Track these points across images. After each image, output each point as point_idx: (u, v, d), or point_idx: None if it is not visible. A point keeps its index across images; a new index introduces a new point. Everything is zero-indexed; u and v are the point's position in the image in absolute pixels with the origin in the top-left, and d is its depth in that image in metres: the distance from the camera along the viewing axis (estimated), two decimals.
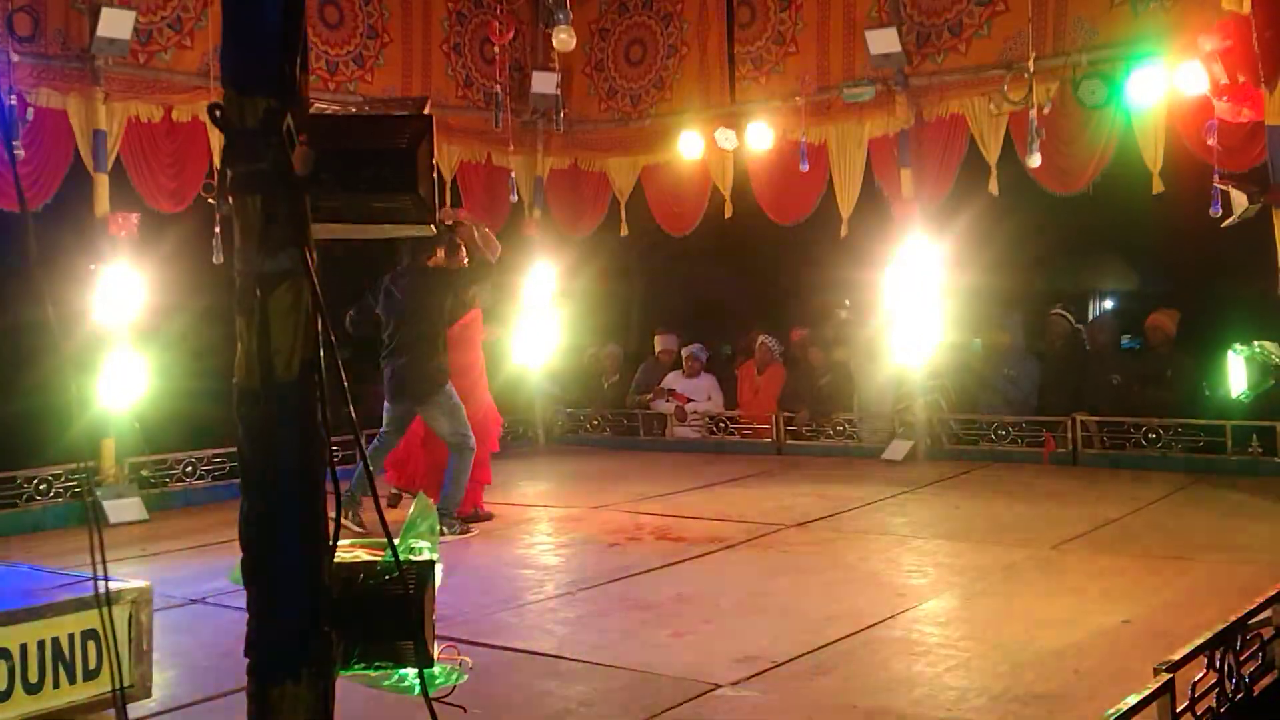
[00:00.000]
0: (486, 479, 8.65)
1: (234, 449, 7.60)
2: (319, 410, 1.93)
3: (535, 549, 7.81)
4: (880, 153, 10.90)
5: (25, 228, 2.17)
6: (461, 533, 7.99)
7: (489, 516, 8.55)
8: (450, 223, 8.32)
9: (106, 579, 2.07)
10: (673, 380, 12.66)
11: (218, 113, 1.93)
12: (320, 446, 1.94)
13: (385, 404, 8.27)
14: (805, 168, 10.95)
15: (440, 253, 8.25)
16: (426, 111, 2.08)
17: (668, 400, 12.50)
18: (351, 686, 2.11)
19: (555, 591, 6.49)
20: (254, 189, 1.90)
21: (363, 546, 2.15)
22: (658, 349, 13.07)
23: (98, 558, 2.02)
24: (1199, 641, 3.97)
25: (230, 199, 1.93)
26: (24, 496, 8.84)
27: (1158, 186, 9.55)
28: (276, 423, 1.90)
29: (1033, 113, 9.34)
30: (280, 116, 1.86)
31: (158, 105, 9.49)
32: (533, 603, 6.29)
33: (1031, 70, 9.51)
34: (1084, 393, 10.60)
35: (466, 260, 8.36)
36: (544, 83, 11.50)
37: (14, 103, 8.30)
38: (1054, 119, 9.77)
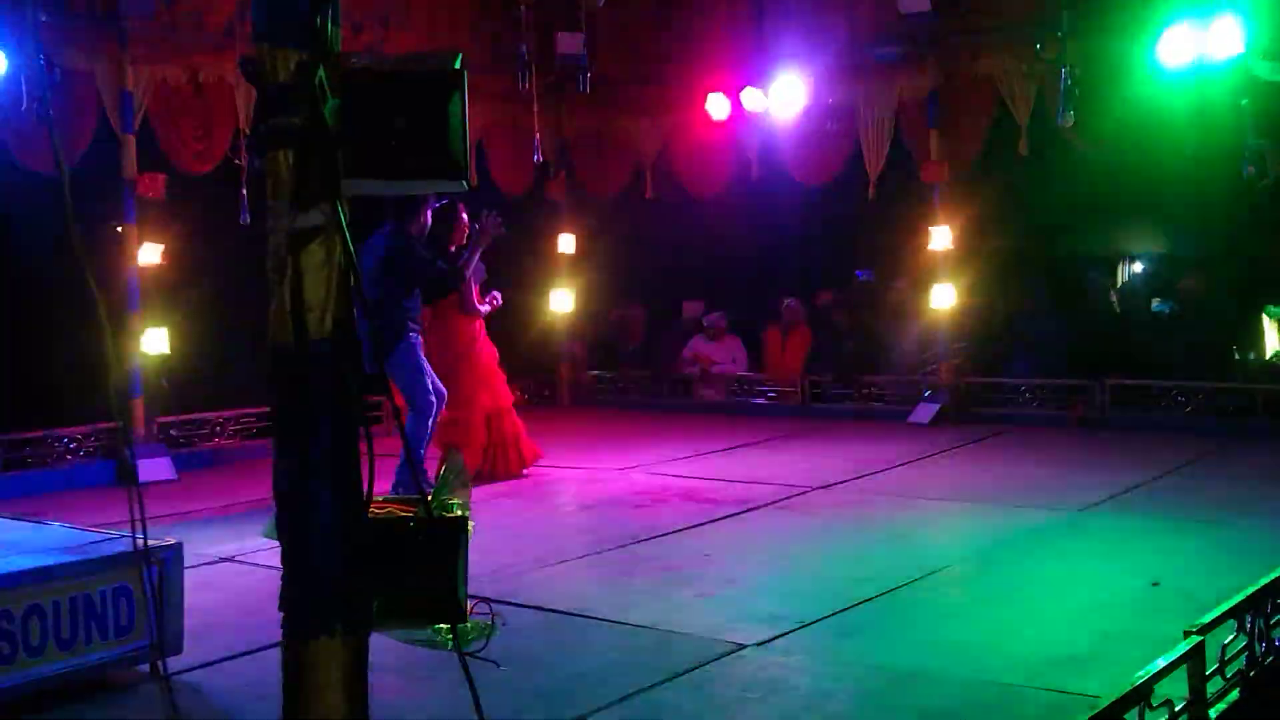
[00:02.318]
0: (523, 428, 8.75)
1: (262, 408, 7.70)
2: (351, 366, 1.92)
3: (561, 510, 7.84)
4: (909, 113, 10.79)
5: (62, 188, 2.16)
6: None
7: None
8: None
9: (146, 536, 2.07)
10: (698, 344, 12.64)
11: (249, 67, 1.91)
12: (353, 402, 1.94)
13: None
14: (833, 128, 10.85)
15: (425, 217, 8.01)
16: (458, 66, 2.06)
17: (693, 365, 12.50)
18: (384, 641, 2.12)
19: (582, 552, 6.50)
20: (286, 143, 1.88)
21: (395, 503, 2.15)
22: (685, 316, 13.04)
23: (135, 516, 2.01)
24: (1229, 604, 3.95)
25: (262, 154, 1.91)
26: (54, 455, 8.91)
27: (1188, 148, 9.41)
28: (310, 378, 1.90)
29: (1065, 71, 9.20)
30: (312, 70, 1.85)
31: (184, 66, 9.46)
32: (559, 563, 6.31)
33: (1065, 29, 9.35)
34: (1114, 356, 10.52)
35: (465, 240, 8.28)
36: (570, 43, 11.40)
37: (42, 61, 8.30)
38: (1085, 78, 9.62)
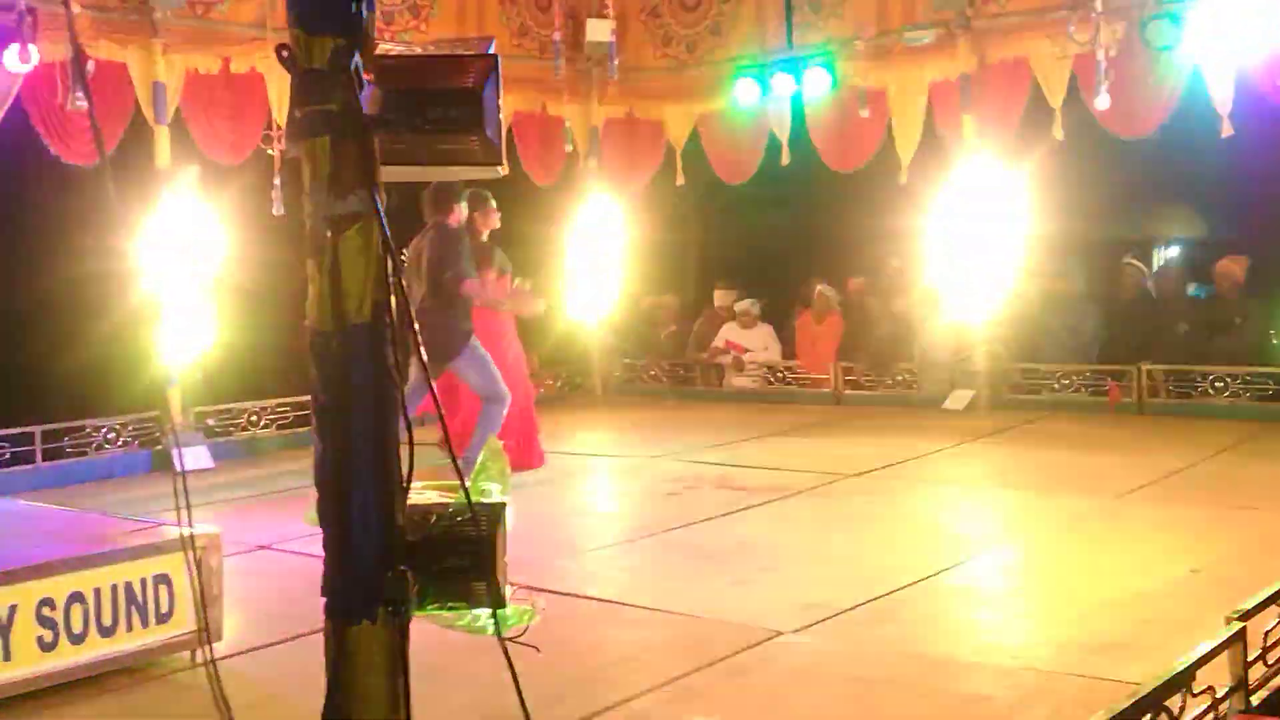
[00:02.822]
0: (536, 429, 8.64)
1: (298, 398, 7.73)
2: (391, 352, 1.93)
3: (595, 498, 7.86)
4: (941, 97, 10.71)
5: (104, 179, 2.17)
6: None
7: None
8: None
9: (190, 524, 2.09)
10: (730, 331, 12.61)
11: (284, 53, 1.91)
12: (393, 388, 1.94)
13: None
14: (865, 114, 10.79)
15: (460, 209, 7.97)
16: (492, 51, 2.06)
17: (726, 353, 12.47)
18: (423, 627, 2.13)
19: (616, 539, 6.52)
20: (322, 130, 1.88)
21: (434, 488, 2.15)
22: (716, 304, 13.02)
23: (180, 503, 2.03)
24: (1271, 590, 3.90)
25: (298, 141, 1.92)
26: (94, 445, 9.00)
27: (1227, 130, 9.30)
28: (349, 365, 1.90)
29: (1100, 54, 9.10)
30: (348, 55, 1.85)
31: (216, 57, 9.52)
32: (594, 550, 6.33)
33: (1099, 10, 9.26)
34: (1150, 341, 10.43)
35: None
36: (599, 30, 11.39)
37: (76, 55, 8.36)
38: (1121, 61, 9.52)
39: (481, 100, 2.01)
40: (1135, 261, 11.06)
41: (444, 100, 2.00)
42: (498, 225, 8.36)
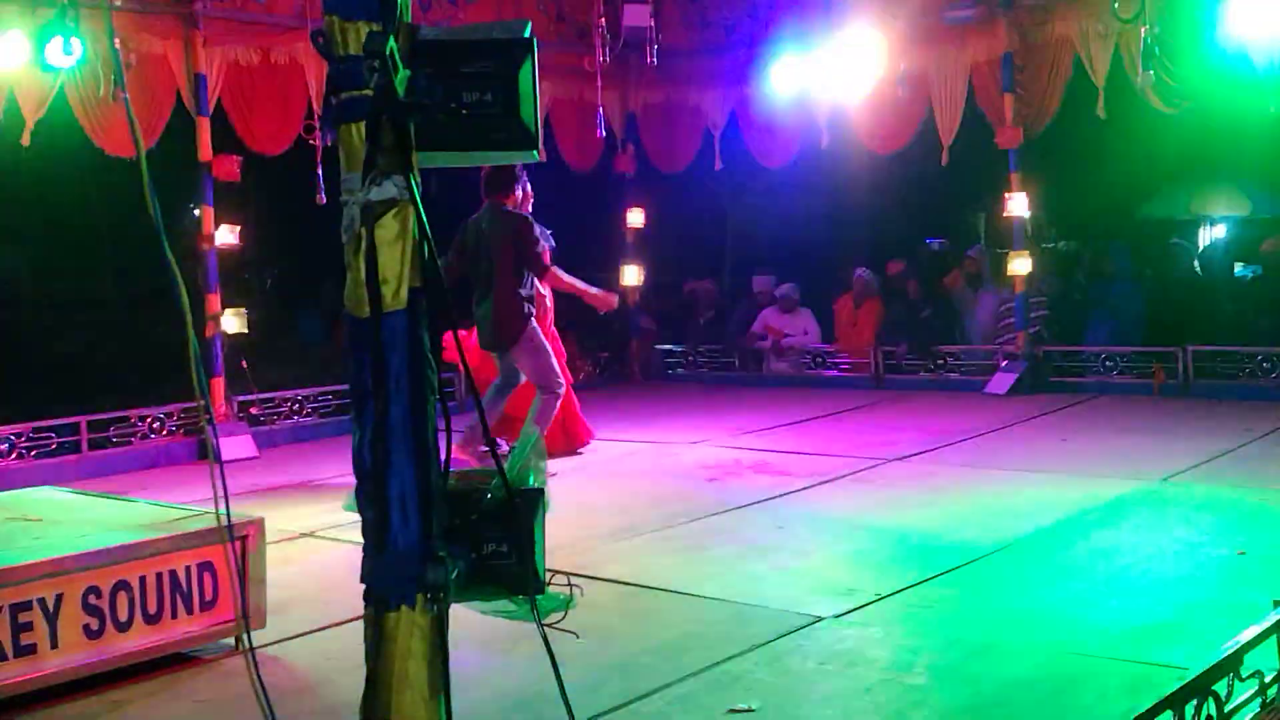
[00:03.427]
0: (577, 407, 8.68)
1: (339, 386, 7.78)
2: (427, 338, 1.92)
3: (633, 483, 7.83)
4: (982, 77, 10.61)
5: (140, 171, 2.18)
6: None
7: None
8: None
9: (229, 514, 2.10)
10: (769, 316, 12.56)
11: (320, 39, 1.91)
12: (430, 374, 1.94)
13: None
14: (904, 94, 10.70)
15: (515, 194, 8.05)
16: (527, 35, 2.04)
17: (765, 338, 12.43)
18: (462, 613, 2.13)
19: (654, 525, 6.50)
20: (358, 115, 1.88)
21: (473, 475, 2.15)
22: (755, 289, 12.96)
23: (219, 493, 2.04)
24: None
25: (334, 127, 1.91)
26: (138, 434, 9.10)
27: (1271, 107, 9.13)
28: (386, 351, 1.90)
29: (1145, 30, 8.95)
30: (383, 40, 1.84)
31: (255, 48, 9.57)
32: (633, 535, 6.32)
33: None
34: (1196, 322, 10.30)
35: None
36: (636, 15, 11.32)
37: (118, 47, 8.43)
38: (1164, 37, 9.37)
39: (516, 84, 2.00)
40: (1181, 241, 10.92)
41: (480, 85, 1.98)
42: (529, 209, 8.34)
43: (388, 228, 1.89)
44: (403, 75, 1.88)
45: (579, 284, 8.40)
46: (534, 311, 7.97)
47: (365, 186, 1.88)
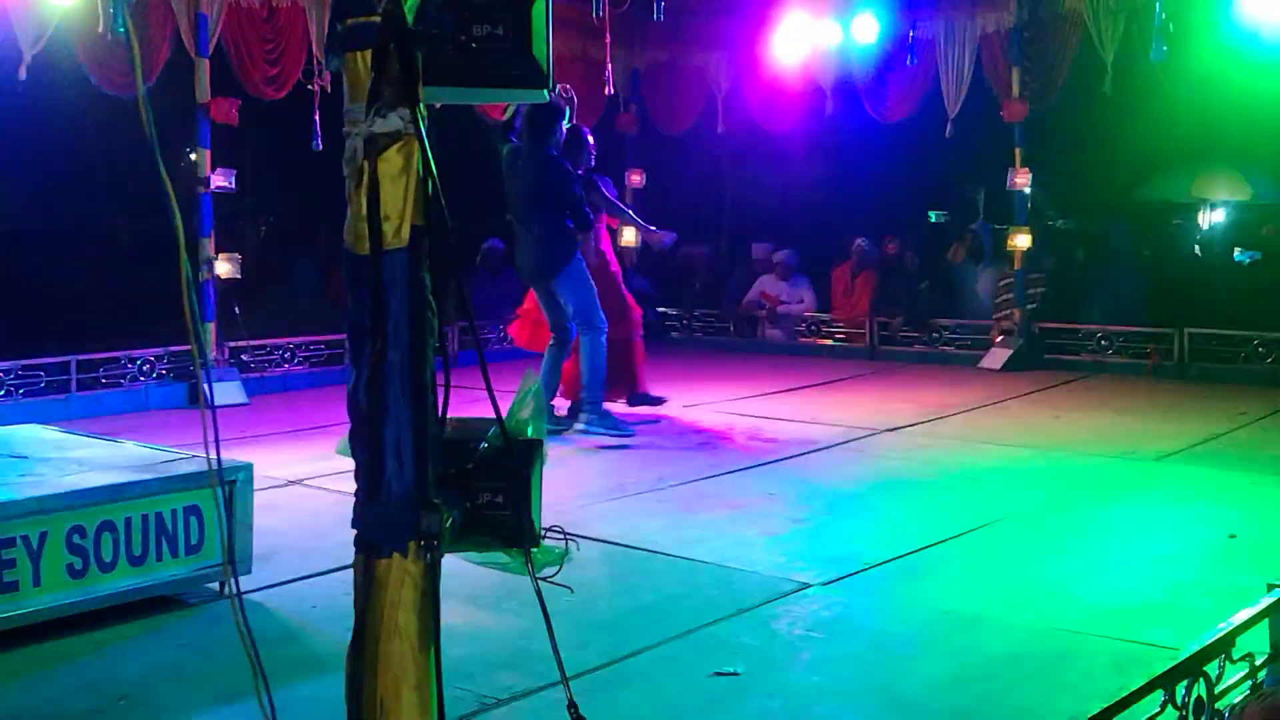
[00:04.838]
0: (640, 358, 8.52)
1: (331, 335, 7.71)
2: (428, 278, 1.87)
3: (625, 445, 7.79)
4: (991, 49, 10.52)
5: (141, 108, 2.12)
6: (613, 430, 7.72)
7: (658, 400, 8.45)
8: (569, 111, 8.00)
9: (219, 459, 2.05)
10: (766, 283, 12.51)
11: None
12: (430, 315, 1.89)
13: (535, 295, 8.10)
14: (912, 62, 10.61)
15: (559, 131, 7.82)
16: None
17: (761, 306, 12.38)
18: (450, 567, 2.09)
19: (645, 488, 6.48)
20: (365, 43, 1.82)
21: (470, 424, 2.11)
22: (754, 256, 12.89)
23: (210, 436, 1.99)
24: None
25: (339, 55, 1.85)
26: (128, 376, 9.04)
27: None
28: (385, 290, 1.85)
29: (1159, 5, 8.85)
30: None
31: None
32: (623, 497, 6.30)
33: None
34: (1194, 304, 10.28)
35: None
36: None
37: None
38: (1177, 14, 9.28)
39: (529, 19, 1.94)
40: (1181, 222, 10.88)
41: (490, 17, 1.92)
42: (592, 163, 8.23)
43: (391, 162, 1.83)
44: (412, 2, 1.82)
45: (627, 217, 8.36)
46: (580, 244, 7.78)
47: (369, 118, 1.82)
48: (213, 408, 2.26)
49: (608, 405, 7.93)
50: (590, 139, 8.20)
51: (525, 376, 2.21)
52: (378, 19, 1.80)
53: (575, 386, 8.02)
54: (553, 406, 8.08)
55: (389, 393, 1.84)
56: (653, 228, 8.78)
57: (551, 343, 7.96)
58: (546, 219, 7.66)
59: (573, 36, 11.55)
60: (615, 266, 8.54)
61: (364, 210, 1.83)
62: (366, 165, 1.83)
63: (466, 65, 1.94)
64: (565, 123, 7.84)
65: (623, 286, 8.57)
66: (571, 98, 8.23)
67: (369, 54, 1.83)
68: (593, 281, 7.80)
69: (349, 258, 1.87)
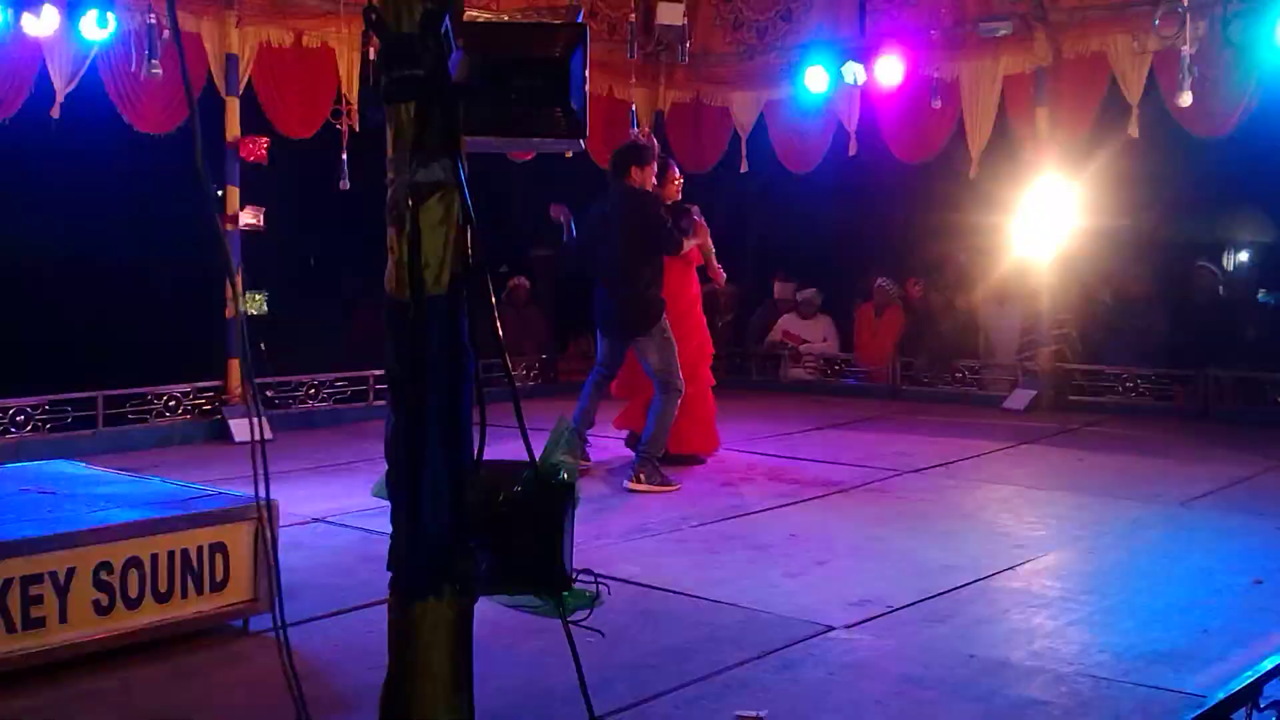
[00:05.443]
0: (714, 413, 8.28)
1: (355, 372, 7.75)
2: (467, 325, 1.90)
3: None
4: (1015, 90, 10.56)
5: (195, 148, 2.16)
6: (660, 485, 7.39)
7: (696, 460, 8.14)
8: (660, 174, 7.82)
9: (269, 498, 2.08)
10: (789, 322, 12.52)
11: (373, 16, 1.88)
12: (468, 361, 1.91)
13: (597, 336, 7.95)
14: (936, 103, 10.65)
15: (641, 174, 7.61)
16: (580, 21, 2.01)
17: (784, 345, 12.38)
18: (484, 604, 2.10)
19: (667, 528, 6.47)
20: (409, 95, 1.85)
21: (504, 468, 2.12)
22: (776, 294, 12.90)
23: (259, 472, 2.02)
24: None
25: (384, 106, 1.88)
26: (154, 412, 9.10)
27: None
28: (425, 336, 1.87)
29: (1185, 49, 8.87)
30: (438, 19, 1.81)
31: (289, 30, 9.57)
32: (645, 536, 6.29)
33: (1186, 5, 9.01)
34: (1219, 346, 10.23)
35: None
36: (670, 14, 11.29)
37: (153, 22, 8.43)
38: (1200, 59, 9.31)
39: (568, 71, 1.97)
40: (1208, 264, 10.84)
41: (530, 69, 1.96)
42: (679, 197, 8.11)
43: (432, 211, 1.87)
44: (455, 57, 1.86)
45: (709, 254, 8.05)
46: (665, 305, 7.57)
47: (412, 168, 1.86)
48: (262, 440, 2.28)
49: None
50: (679, 172, 8.09)
51: (559, 421, 2.22)
52: (422, 73, 1.84)
53: (640, 423, 7.90)
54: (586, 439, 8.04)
55: (427, 437, 1.86)
56: (718, 265, 8.39)
57: (596, 378, 7.87)
58: (634, 275, 7.44)
59: (598, 77, 11.64)
60: (700, 312, 8.24)
61: (405, 257, 1.86)
62: (408, 214, 1.86)
63: (506, 115, 1.98)
64: (643, 165, 7.62)
65: (706, 331, 8.30)
66: (654, 142, 8.15)
67: (413, 106, 1.87)
68: (674, 339, 7.54)
69: (390, 303, 1.90)
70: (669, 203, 7.91)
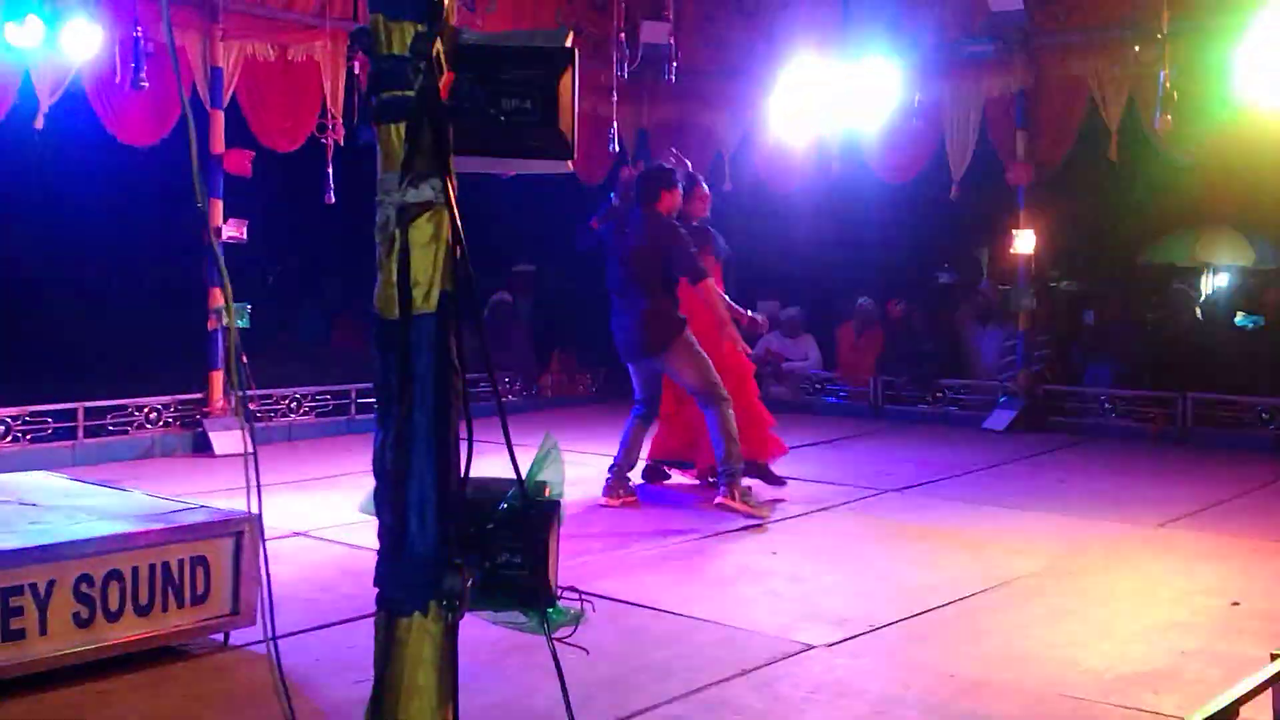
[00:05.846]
0: (770, 421, 7.99)
1: (336, 386, 7.73)
2: (455, 344, 1.91)
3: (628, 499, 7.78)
4: (996, 112, 10.65)
5: (192, 163, 2.17)
6: (750, 507, 7.11)
7: (779, 481, 7.91)
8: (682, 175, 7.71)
9: (261, 514, 2.09)
10: (772, 339, 12.55)
11: (364, 38, 1.90)
12: (456, 379, 1.93)
13: (629, 369, 7.69)
14: (918, 124, 10.72)
15: (672, 196, 7.47)
16: (569, 44, 2.04)
17: (767, 363, 12.39)
18: (468, 620, 2.11)
19: (647, 545, 6.48)
20: (399, 116, 1.87)
21: (490, 485, 2.13)
22: (759, 316, 12.87)
23: (251, 482, 2.03)
24: None
25: (374, 126, 1.90)
26: (135, 424, 9.07)
27: None
28: (413, 353, 1.89)
29: (1163, 74, 8.95)
30: (429, 42, 1.84)
31: (273, 45, 9.58)
32: (625, 554, 6.30)
33: (1165, 31, 9.09)
34: (1196, 369, 10.31)
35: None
36: (655, 32, 11.35)
37: (138, 35, 8.43)
38: (1182, 83, 9.38)
39: (556, 93, 1.99)
40: (1185, 287, 10.94)
41: (519, 91, 1.98)
42: (707, 213, 8.04)
43: (422, 230, 1.88)
44: (445, 78, 1.88)
45: (729, 304, 7.73)
46: (685, 319, 7.34)
47: (402, 188, 1.87)
48: (254, 451, 2.29)
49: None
50: (706, 189, 8.03)
51: (545, 438, 2.24)
52: (412, 94, 1.86)
53: (687, 453, 7.89)
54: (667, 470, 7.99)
55: (414, 455, 1.88)
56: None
57: (637, 414, 7.67)
58: (652, 293, 7.29)
59: (583, 95, 11.65)
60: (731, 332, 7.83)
61: (394, 276, 1.88)
62: (398, 233, 1.88)
63: (495, 136, 2.00)
64: (672, 189, 7.49)
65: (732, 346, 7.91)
66: (684, 162, 8.08)
67: (403, 126, 1.89)
68: (703, 351, 7.33)
69: (378, 321, 1.92)
70: (694, 222, 7.79)
